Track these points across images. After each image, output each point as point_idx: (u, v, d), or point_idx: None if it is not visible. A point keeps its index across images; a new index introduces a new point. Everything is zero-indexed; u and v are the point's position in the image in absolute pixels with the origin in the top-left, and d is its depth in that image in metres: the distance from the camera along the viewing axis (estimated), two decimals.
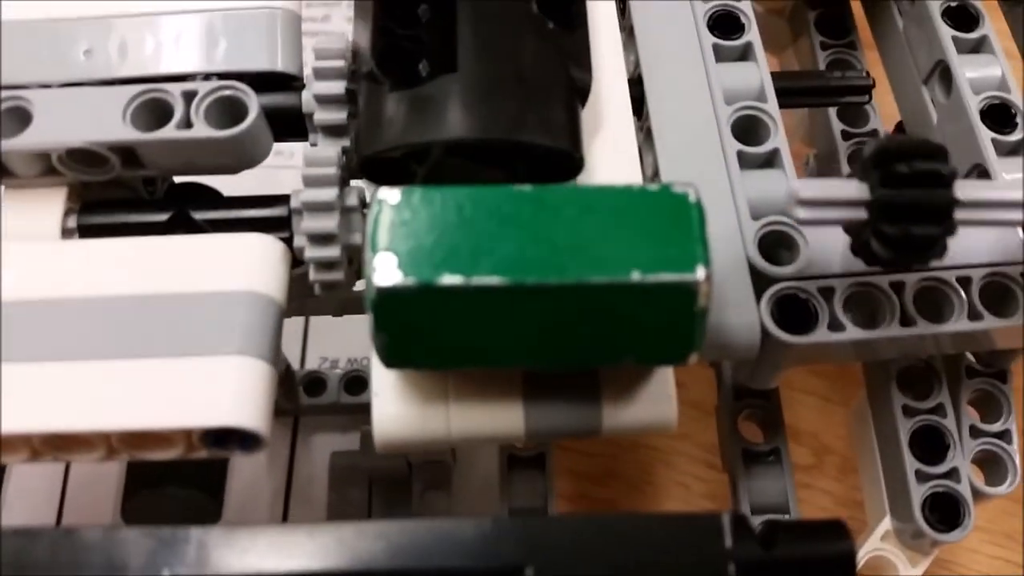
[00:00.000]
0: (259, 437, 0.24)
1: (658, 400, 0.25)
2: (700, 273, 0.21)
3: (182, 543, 0.21)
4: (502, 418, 0.25)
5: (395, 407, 0.25)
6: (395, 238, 0.22)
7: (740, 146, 0.28)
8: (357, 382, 0.40)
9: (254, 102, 0.26)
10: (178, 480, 0.39)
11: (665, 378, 0.25)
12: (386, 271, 0.21)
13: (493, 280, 0.21)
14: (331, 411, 0.40)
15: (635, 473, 0.45)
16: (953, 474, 0.30)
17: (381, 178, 0.26)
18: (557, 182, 0.26)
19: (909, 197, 0.23)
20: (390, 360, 0.23)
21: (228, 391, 0.24)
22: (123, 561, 0.22)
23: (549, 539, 0.22)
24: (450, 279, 0.21)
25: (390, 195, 0.22)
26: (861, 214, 0.23)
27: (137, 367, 0.24)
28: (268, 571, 0.22)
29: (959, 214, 0.23)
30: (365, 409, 0.39)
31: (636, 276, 0.21)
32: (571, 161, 0.26)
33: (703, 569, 0.22)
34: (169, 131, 0.26)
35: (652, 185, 0.23)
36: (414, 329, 0.22)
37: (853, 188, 0.24)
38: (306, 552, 0.21)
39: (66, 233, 0.27)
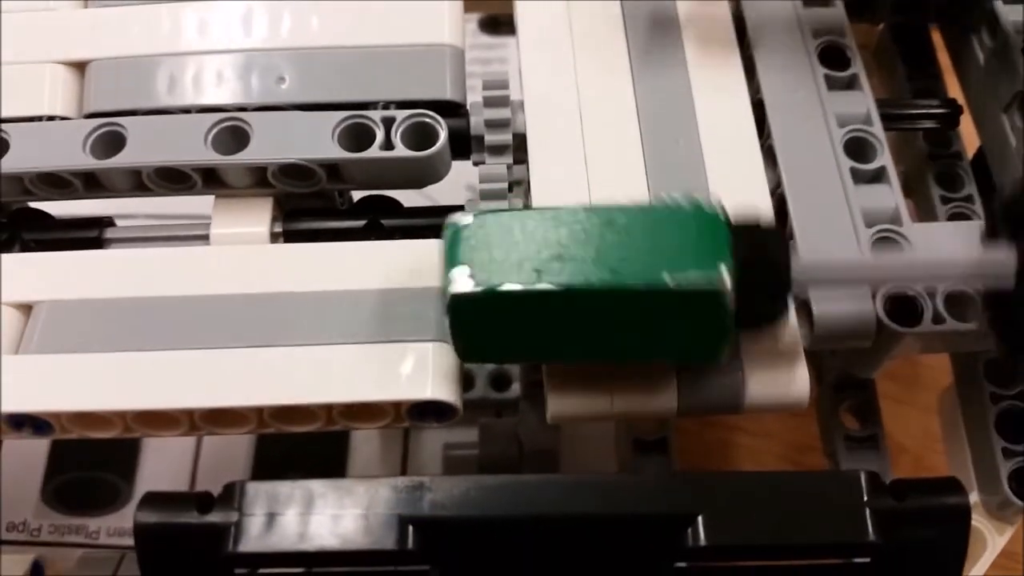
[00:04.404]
0: (456, 409, 0.28)
1: (793, 380, 0.28)
2: (725, 281, 0.25)
3: (416, 490, 0.26)
4: (658, 396, 0.28)
5: (566, 389, 0.28)
6: (468, 254, 0.25)
7: (852, 163, 0.32)
8: (503, 380, 0.41)
9: (443, 127, 0.31)
10: (302, 468, 0.43)
11: (799, 360, 0.29)
12: (461, 281, 0.25)
13: (546, 286, 0.25)
14: (479, 407, 0.42)
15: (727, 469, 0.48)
16: None
17: None
18: None
19: None
20: (465, 355, 0.27)
21: (432, 371, 0.28)
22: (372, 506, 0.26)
23: (716, 491, 0.26)
24: (511, 286, 0.25)
25: (462, 219, 0.26)
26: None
27: (357, 351, 0.28)
28: (478, 514, 0.26)
29: None
30: (510, 405, 0.42)
31: (669, 281, 0.25)
32: None
33: (845, 516, 0.26)
34: (374, 151, 0.30)
35: (685, 205, 0.26)
36: (484, 329, 0.26)
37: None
38: (520, 496, 0.25)
39: (273, 238, 0.31)
